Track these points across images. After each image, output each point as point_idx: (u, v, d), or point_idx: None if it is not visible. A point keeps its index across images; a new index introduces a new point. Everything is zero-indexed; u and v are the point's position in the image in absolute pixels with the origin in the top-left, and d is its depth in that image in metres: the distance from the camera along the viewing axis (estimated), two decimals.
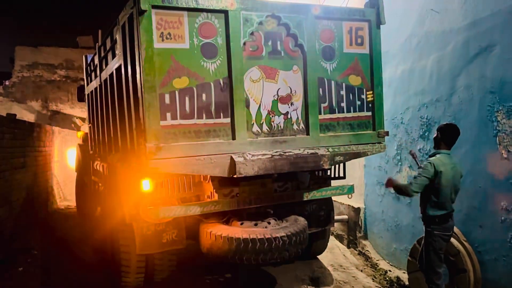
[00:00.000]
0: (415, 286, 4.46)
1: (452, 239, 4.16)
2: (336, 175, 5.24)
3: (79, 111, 16.69)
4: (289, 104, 4.14)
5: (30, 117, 16.49)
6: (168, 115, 3.64)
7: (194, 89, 3.73)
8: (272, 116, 4.07)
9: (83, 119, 16.18)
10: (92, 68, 6.02)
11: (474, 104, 4.27)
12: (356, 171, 6.33)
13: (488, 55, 4.10)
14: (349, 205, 6.47)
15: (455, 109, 4.53)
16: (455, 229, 4.21)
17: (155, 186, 4.22)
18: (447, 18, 4.67)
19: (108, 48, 4.69)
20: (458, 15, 4.50)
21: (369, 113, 4.48)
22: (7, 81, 17.72)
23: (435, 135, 3.98)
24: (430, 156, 3.96)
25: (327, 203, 5.17)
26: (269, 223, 4.36)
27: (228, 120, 3.87)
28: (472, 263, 4.08)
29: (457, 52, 4.52)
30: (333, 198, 5.25)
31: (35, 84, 17.34)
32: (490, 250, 4.06)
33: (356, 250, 6.25)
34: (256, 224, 4.31)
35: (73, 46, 19.14)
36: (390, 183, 4.13)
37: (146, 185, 4.16)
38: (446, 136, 3.88)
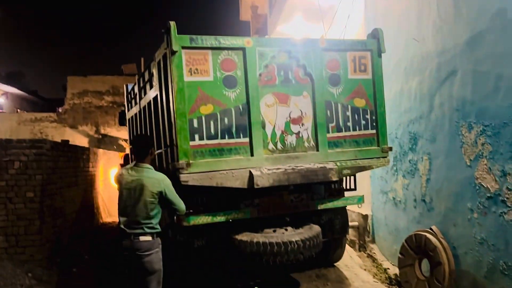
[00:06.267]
0: (403, 278, 5.13)
1: (431, 236, 4.76)
2: (350, 187, 5.75)
3: (125, 133, 18.00)
4: (300, 125, 4.76)
5: (83, 141, 17.86)
6: (196, 136, 4.34)
7: (218, 114, 4.42)
8: (286, 136, 4.70)
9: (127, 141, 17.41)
10: (132, 96, 6.85)
11: (446, 120, 4.90)
12: (364, 182, 6.87)
13: (454, 79, 4.74)
14: (359, 212, 7.02)
15: (433, 124, 5.15)
16: (434, 227, 4.84)
17: (186, 198, 4.89)
18: (425, 46, 5.30)
19: (146, 80, 5.49)
20: (432, 44, 5.13)
21: (374, 131, 5.03)
22: (60, 108, 19.34)
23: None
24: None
25: (342, 213, 5.67)
26: (286, 229, 4.90)
27: (247, 139, 4.53)
28: (447, 257, 4.61)
29: (432, 75, 5.15)
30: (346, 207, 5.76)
31: (85, 110, 18.79)
32: (462, 245, 4.61)
33: (365, 253, 6.74)
34: (274, 231, 4.87)
35: (118, 73, 20.58)
36: None
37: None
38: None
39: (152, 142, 4.12)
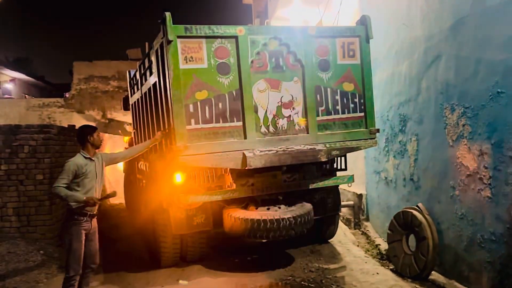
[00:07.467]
0: (392, 253, 5.43)
1: (417, 213, 5.05)
2: (341, 168, 6.02)
3: (131, 118, 18.22)
4: (291, 109, 5.01)
5: None
6: (192, 120, 4.62)
7: (212, 99, 4.69)
8: (277, 119, 4.96)
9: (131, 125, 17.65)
10: (134, 82, 7.11)
11: (431, 103, 5.11)
12: (359, 162, 7.18)
13: (439, 63, 4.94)
14: (354, 192, 7.32)
15: (421, 107, 5.36)
16: (420, 205, 5.13)
17: (186, 178, 5.20)
18: (413, 31, 5.48)
19: (146, 67, 5.75)
20: (420, 29, 5.31)
21: (362, 114, 5.27)
22: (67, 93, 19.63)
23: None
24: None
25: (334, 192, 5.96)
26: (279, 207, 5.20)
27: (240, 123, 4.80)
28: (431, 232, 4.90)
29: (420, 59, 5.34)
30: (342, 186, 6.04)
31: (91, 95, 19.02)
32: (445, 220, 4.90)
33: (360, 231, 7.07)
34: (268, 209, 5.17)
35: (124, 58, 20.69)
36: None
37: (178, 177, 5.14)
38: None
39: (87, 132, 4.28)
